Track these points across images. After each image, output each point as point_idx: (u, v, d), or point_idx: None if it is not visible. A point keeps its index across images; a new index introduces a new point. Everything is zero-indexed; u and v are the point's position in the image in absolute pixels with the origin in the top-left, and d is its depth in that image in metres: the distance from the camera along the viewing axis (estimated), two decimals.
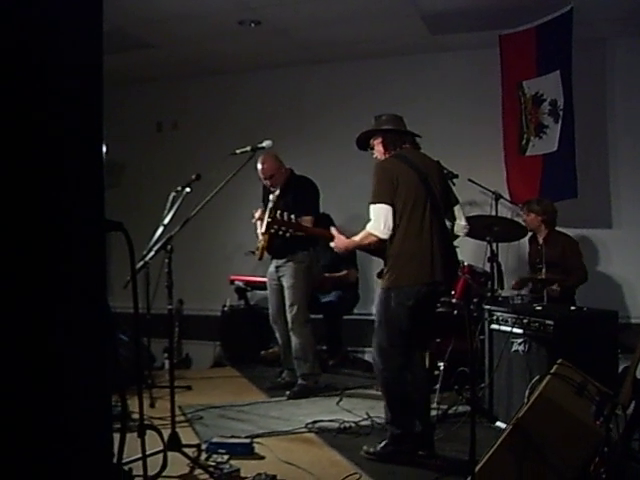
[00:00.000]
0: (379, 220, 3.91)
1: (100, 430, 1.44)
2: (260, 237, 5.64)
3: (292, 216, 4.23)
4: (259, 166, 5.57)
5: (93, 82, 1.44)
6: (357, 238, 4.06)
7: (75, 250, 1.35)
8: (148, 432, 3.26)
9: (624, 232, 6.60)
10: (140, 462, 2.26)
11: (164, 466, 3.25)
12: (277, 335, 5.84)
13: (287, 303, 5.60)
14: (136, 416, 4.38)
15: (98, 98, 1.44)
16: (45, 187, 1.32)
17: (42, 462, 1.32)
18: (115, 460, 1.65)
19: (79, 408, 1.38)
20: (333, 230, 4.25)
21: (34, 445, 1.31)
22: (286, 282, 5.61)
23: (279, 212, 4.21)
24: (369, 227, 3.96)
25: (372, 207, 3.95)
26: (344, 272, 6.78)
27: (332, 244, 4.19)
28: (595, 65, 6.66)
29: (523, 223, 6.01)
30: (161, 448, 3.39)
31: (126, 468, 2.53)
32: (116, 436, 1.82)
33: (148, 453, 3.20)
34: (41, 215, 1.32)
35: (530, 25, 6.26)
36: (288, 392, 5.53)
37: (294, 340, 5.59)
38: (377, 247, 4.02)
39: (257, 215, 5.69)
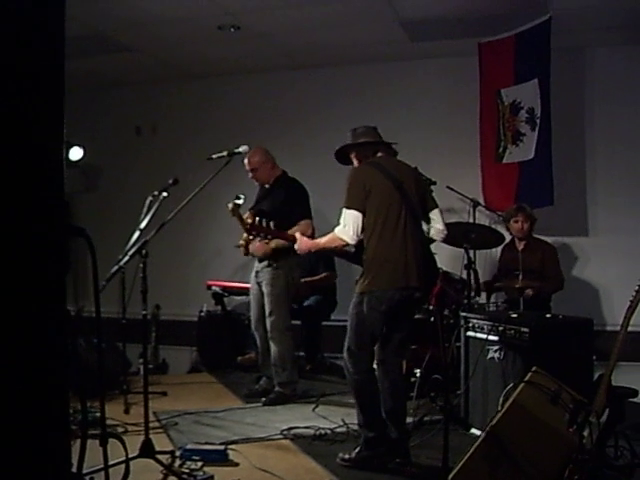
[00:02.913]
0: (349, 225, 3.93)
1: (57, 436, 1.41)
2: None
3: (271, 223, 4.22)
4: (245, 159, 5.46)
5: (53, 82, 1.40)
6: (322, 240, 4.11)
7: (33, 255, 1.32)
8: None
9: (600, 240, 6.66)
10: (103, 472, 2.21)
11: (127, 474, 3.19)
12: (257, 341, 5.77)
13: (266, 311, 5.53)
14: (110, 422, 4.35)
15: (59, 97, 1.41)
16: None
17: None
18: (75, 469, 1.62)
19: (34, 413, 1.35)
20: (297, 233, 4.29)
21: None
22: (265, 289, 5.54)
23: (257, 218, 4.20)
24: (337, 231, 3.98)
25: (344, 211, 3.97)
26: (323, 275, 6.76)
27: (295, 246, 4.22)
28: (574, 74, 6.72)
29: (510, 229, 6.01)
30: (130, 456, 3.33)
31: (88, 478, 2.47)
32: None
33: (116, 462, 3.17)
34: None
35: (509, 33, 6.30)
36: (264, 399, 5.48)
37: (273, 348, 5.52)
38: (342, 251, 4.07)
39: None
